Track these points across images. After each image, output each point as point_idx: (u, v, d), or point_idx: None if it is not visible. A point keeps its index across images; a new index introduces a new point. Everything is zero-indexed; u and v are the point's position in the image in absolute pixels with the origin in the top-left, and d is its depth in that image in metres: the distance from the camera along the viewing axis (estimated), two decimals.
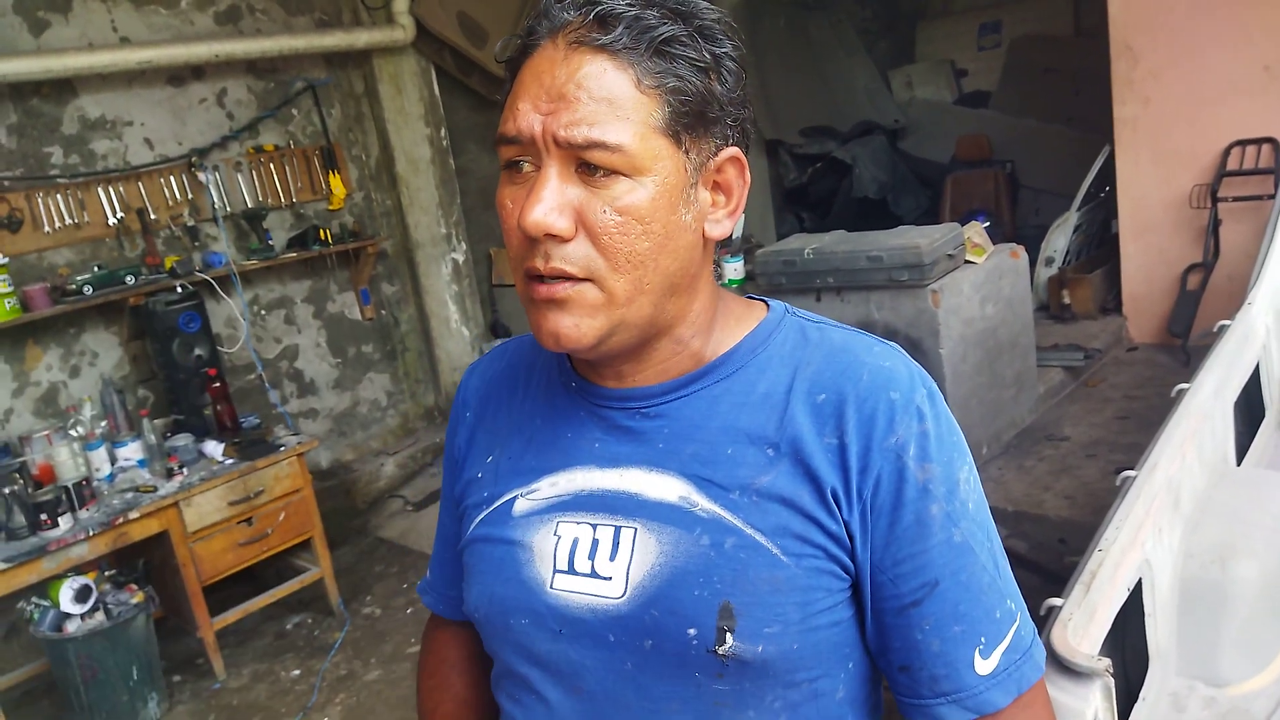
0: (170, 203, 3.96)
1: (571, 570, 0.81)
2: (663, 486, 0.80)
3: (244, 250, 4.20)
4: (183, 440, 3.49)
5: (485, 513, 0.89)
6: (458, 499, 0.95)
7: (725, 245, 4.90)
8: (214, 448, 3.51)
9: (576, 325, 0.75)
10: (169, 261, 3.81)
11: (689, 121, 0.75)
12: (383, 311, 4.92)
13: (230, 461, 3.46)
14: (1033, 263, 5.32)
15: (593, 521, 0.82)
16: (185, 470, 3.36)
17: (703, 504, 0.78)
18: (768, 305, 0.88)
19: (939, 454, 0.77)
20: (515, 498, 0.87)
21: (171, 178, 3.97)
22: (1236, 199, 4.54)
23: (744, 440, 0.79)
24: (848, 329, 0.85)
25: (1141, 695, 1.71)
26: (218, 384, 3.73)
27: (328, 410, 4.71)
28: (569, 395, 0.88)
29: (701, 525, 0.78)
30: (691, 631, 0.76)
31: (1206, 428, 2.13)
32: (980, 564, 0.77)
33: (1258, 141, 4.45)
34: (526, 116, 0.73)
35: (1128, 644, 1.72)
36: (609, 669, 0.80)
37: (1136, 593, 1.70)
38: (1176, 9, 4.52)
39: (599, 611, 0.80)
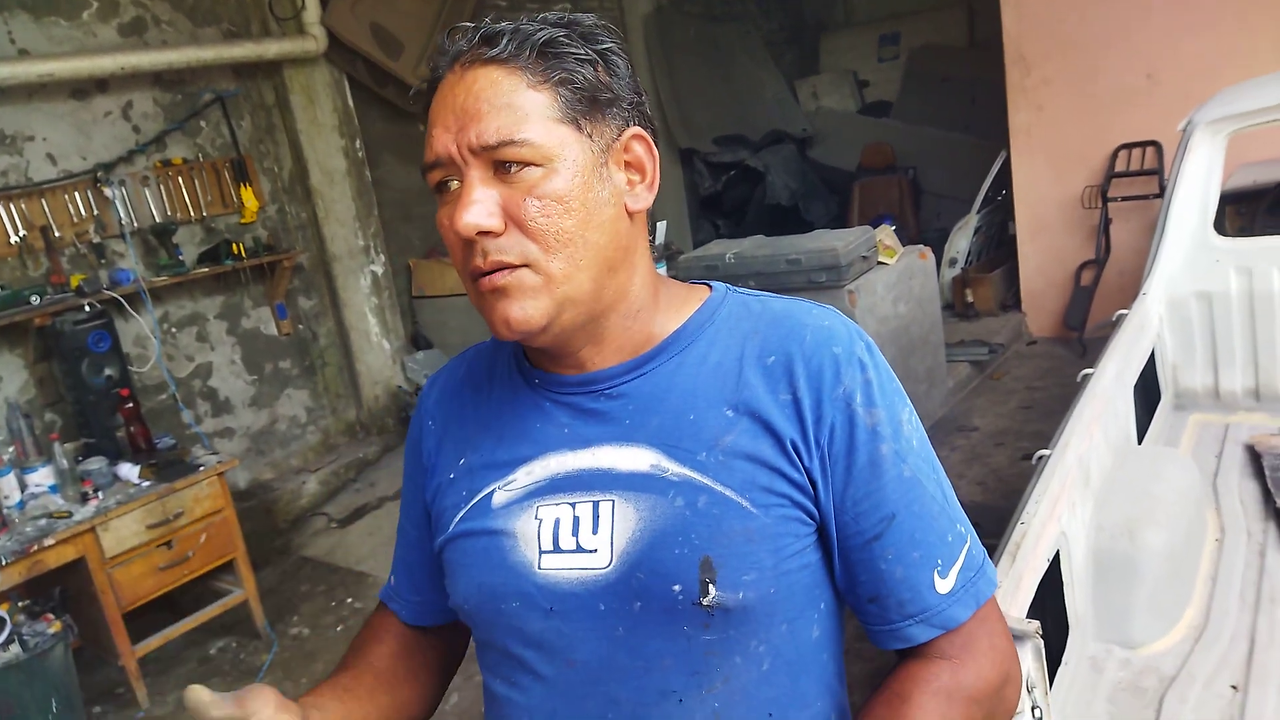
0: (75, 219, 3.83)
1: (557, 549, 0.85)
2: (634, 458, 0.85)
3: (153, 266, 4.08)
4: (96, 463, 3.37)
5: (465, 510, 0.91)
6: (427, 504, 0.98)
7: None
8: (129, 470, 3.40)
9: (522, 309, 0.81)
10: (75, 280, 3.68)
11: (583, 108, 0.81)
12: (300, 326, 4.83)
13: (147, 484, 3.36)
14: (937, 264, 5.55)
15: (571, 500, 0.86)
16: (100, 494, 3.25)
17: (673, 469, 0.83)
18: (710, 287, 0.95)
19: (883, 399, 0.84)
20: (493, 491, 0.90)
21: (76, 194, 3.83)
22: (1125, 199, 4.83)
23: (703, 405, 0.85)
24: (786, 298, 0.92)
25: (1064, 660, 1.82)
26: (130, 404, 3.62)
27: (244, 429, 4.60)
28: (531, 390, 0.92)
29: (674, 488, 0.82)
30: (677, 588, 0.80)
31: (1110, 409, 2.27)
32: (929, 494, 0.85)
33: (1143, 144, 4.74)
34: (441, 139, 0.81)
35: (1048, 612, 1.83)
36: (602, 637, 0.84)
37: (1055, 564, 1.81)
38: (1067, 20, 4.79)
39: (588, 583, 0.83)
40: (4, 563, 2.89)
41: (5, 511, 3.09)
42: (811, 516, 0.84)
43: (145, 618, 3.41)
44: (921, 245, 4.43)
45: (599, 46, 0.83)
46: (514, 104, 0.78)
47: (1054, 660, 1.82)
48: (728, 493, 0.82)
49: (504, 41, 0.80)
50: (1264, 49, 4.34)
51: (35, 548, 2.96)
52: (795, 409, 0.83)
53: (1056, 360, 5.11)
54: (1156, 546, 1.95)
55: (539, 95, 0.79)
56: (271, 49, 4.34)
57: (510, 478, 0.89)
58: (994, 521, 1.82)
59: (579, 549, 0.84)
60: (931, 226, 6.87)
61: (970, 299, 5.75)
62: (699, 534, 0.81)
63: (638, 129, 0.86)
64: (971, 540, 0.86)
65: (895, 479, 0.83)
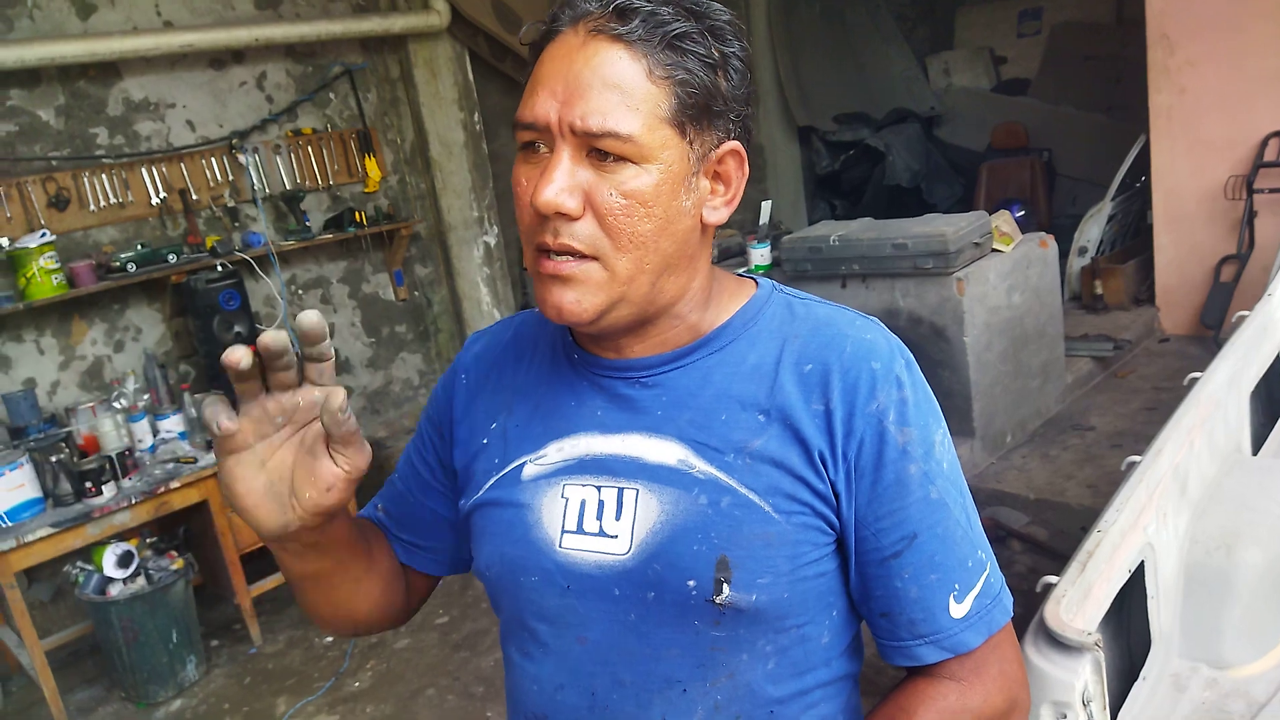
0: (211, 184, 4.07)
1: (580, 530, 0.87)
2: (662, 450, 0.85)
3: (282, 231, 4.31)
4: None
5: (495, 478, 0.93)
6: (453, 463, 0.99)
7: (753, 231, 4.93)
8: None
9: (578, 300, 0.80)
10: (210, 241, 3.93)
11: (694, 114, 0.79)
12: (416, 293, 5.02)
13: None
14: (1067, 252, 5.29)
15: (597, 484, 0.87)
16: None
17: (700, 466, 0.84)
18: (756, 283, 0.94)
19: (916, 419, 0.83)
20: (524, 463, 0.92)
21: (212, 159, 4.08)
22: (1273, 191, 4.49)
23: (736, 407, 0.85)
24: (830, 304, 0.91)
25: (1142, 674, 1.74)
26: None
27: (362, 388, 4.82)
28: (572, 367, 0.93)
29: (699, 486, 0.83)
30: (691, 583, 0.82)
31: (1219, 416, 2.14)
32: (953, 518, 0.84)
33: None
34: (544, 104, 0.78)
35: (1131, 625, 1.75)
36: (614, 620, 0.86)
37: (1139, 575, 1.73)
38: None
39: (605, 567, 0.86)
40: (134, 501, 3.14)
41: (137, 455, 3.35)
42: (832, 526, 0.84)
43: (261, 560, 3.64)
44: (1043, 233, 4.23)
45: (725, 48, 0.81)
46: (628, 91, 0.76)
47: (1135, 673, 1.75)
48: (751, 496, 0.82)
49: (636, 21, 0.77)
50: None
51: (163, 489, 3.19)
52: (826, 420, 0.83)
53: (1189, 360, 4.80)
54: (1255, 563, 1.83)
55: (655, 90, 0.77)
56: (398, 23, 4.49)
57: (542, 452, 0.91)
58: None
59: (601, 533, 0.86)
60: (1065, 212, 6.53)
61: (1099, 290, 5.46)
62: (719, 533, 0.82)
63: (736, 143, 0.84)
64: (991, 567, 0.86)
65: (921, 500, 0.83)
